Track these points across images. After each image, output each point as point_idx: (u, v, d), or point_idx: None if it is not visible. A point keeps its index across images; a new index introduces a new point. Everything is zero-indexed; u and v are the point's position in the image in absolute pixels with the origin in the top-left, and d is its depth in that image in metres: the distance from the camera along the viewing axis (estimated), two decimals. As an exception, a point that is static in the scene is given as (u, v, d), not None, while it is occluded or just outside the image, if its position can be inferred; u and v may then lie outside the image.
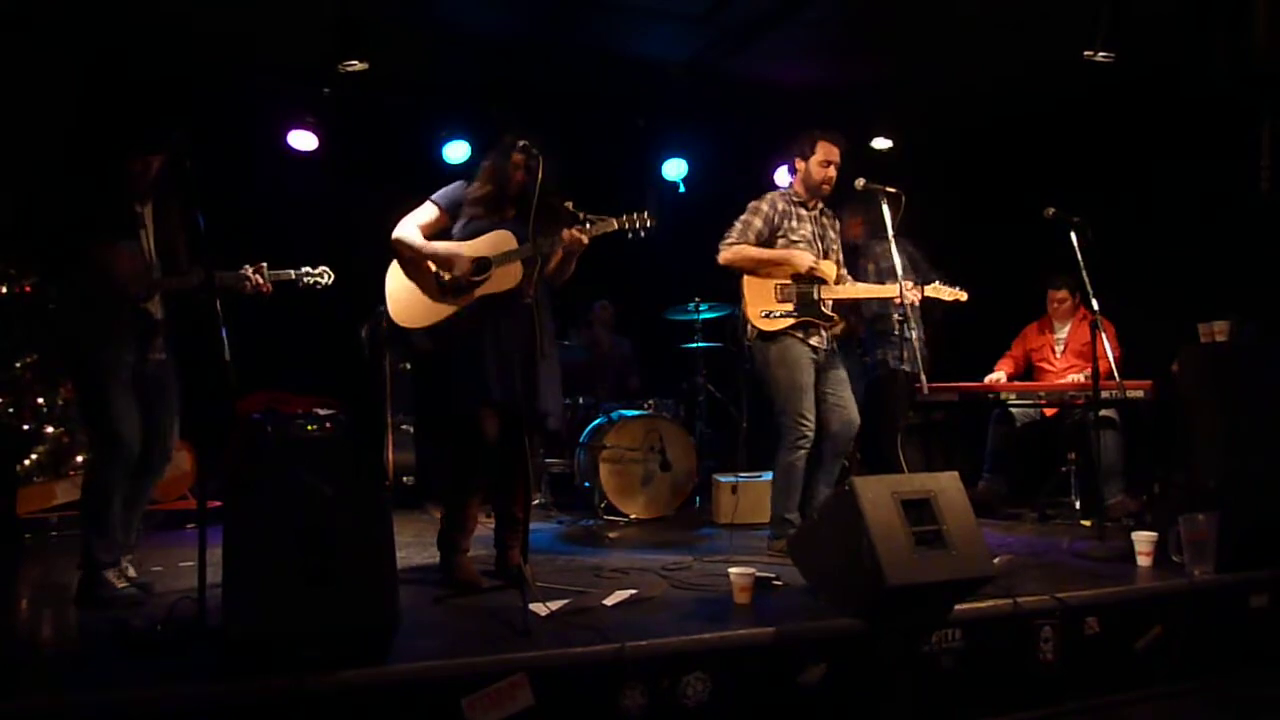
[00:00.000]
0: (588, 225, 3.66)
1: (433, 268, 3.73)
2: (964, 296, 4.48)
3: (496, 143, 3.82)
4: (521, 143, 3.69)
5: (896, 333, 5.39)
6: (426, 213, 3.79)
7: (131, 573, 3.52)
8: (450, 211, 3.79)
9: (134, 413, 3.42)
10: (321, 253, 3.93)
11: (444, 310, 3.72)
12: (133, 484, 3.49)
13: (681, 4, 5.39)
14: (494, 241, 3.71)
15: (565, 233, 3.64)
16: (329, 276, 3.87)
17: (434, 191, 3.84)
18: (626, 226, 3.71)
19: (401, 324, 3.77)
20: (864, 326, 5.66)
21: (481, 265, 3.69)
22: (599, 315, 6.94)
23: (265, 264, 3.68)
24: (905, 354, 4.94)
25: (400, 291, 3.77)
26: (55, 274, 3.46)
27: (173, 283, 3.55)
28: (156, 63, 5.52)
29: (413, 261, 3.75)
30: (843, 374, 4.36)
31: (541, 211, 3.43)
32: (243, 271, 3.61)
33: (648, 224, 3.72)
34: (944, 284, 4.49)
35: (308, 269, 3.83)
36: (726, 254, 4.29)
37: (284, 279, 3.77)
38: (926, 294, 4.44)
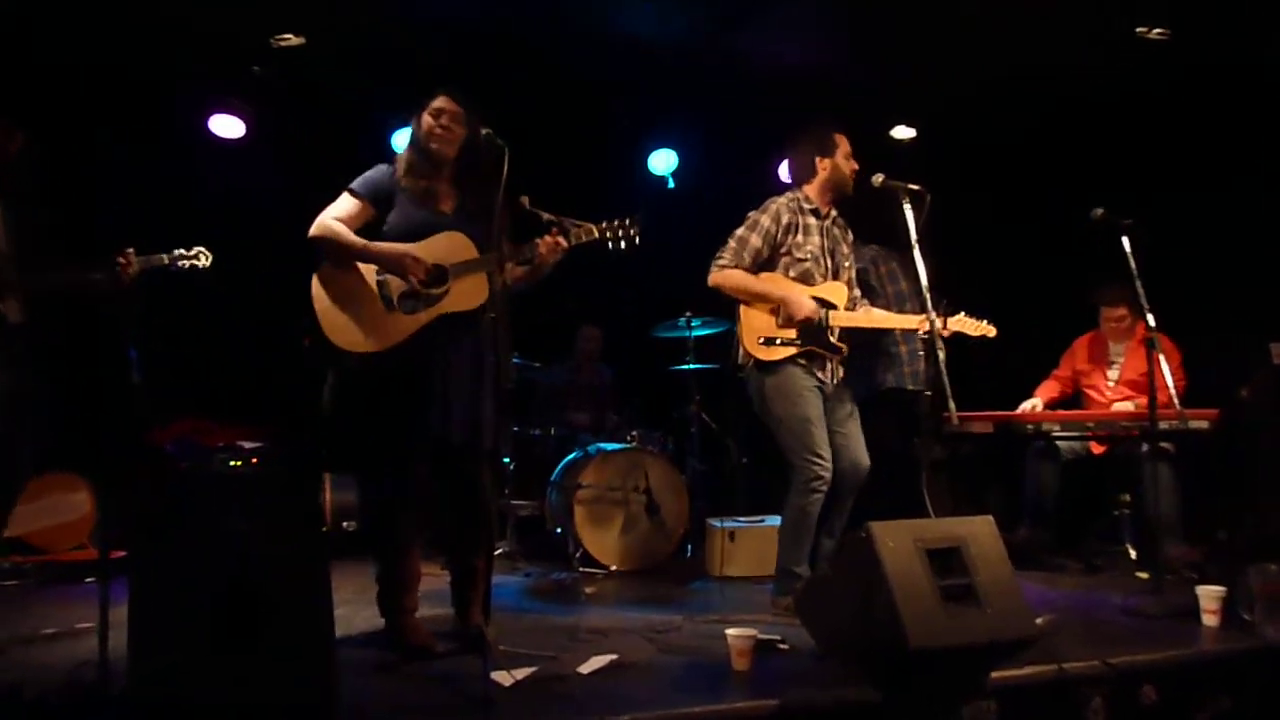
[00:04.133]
0: (569, 232, 3.62)
1: (371, 274, 3.57)
2: (992, 332, 4.40)
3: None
4: (438, 99, 3.65)
5: (896, 348, 5.38)
6: (344, 204, 3.62)
7: None
8: (373, 200, 3.63)
9: None
10: (249, 255, 3.93)
11: (398, 331, 3.54)
12: None
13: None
14: (448, 246, 3.61)
15: (541, 243, 3.62)
16: (206, 258, 3.90)
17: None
18: (609, 236, 3.68)
19: (343, 346, 3.53)
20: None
21: (438, 275, 3.57)
22: (585, 343, 6.94)
23: (132, 249, 3.70)
24: (923, 374, 4.94)
25: (335, 305, 3.55)
26: None
27: (33, 282, 3.51)
28: (59, 35, 5.51)
29: (342, 260, 3.57)
30: (850, 408, 4.37)
31: (499, 212, 3.38)
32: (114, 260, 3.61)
33: (633, 234, 3.67)
34: (969, 315, 4.38)
35: (181, 250, 3.86)
36: (716, 277, 4.29)
37: (156, 264, 3.78)
38: (951, 327, 4.32)
